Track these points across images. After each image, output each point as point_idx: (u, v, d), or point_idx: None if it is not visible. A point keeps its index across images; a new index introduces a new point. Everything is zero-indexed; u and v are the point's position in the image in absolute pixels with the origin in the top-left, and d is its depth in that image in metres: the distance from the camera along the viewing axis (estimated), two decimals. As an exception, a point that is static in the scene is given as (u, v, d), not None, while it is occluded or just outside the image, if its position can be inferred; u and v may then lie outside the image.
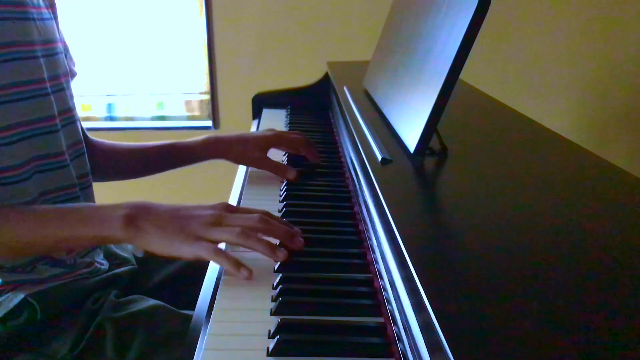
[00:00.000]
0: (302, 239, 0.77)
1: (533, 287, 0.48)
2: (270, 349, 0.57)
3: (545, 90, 2.27)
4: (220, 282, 0.70)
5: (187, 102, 2.52)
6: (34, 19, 0.87)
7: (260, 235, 0.75)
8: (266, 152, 1.10)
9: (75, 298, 0.88)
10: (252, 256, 0.73)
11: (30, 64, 0.85)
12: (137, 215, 0.74)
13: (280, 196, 0.98)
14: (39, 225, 0.77)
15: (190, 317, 0.69)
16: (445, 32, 0.78)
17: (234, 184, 1.09)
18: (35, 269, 0.85)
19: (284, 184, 1.03)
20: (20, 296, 0.83)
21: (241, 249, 0.74)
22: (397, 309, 0.57)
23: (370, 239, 0.76)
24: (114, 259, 0.99)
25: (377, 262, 0.70)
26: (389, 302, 0.61)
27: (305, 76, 1.70)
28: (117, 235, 0.74)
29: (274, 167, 1.08)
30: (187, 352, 0.59)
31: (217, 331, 0.61)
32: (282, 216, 0.89)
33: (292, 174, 1.05)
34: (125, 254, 1.02)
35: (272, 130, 1.15)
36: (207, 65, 2.36)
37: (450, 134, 0.84)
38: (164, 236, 0.73)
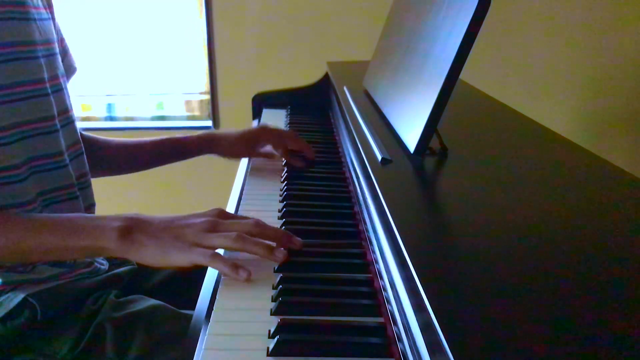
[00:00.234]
0: (299, 239, 0.76)
1: (533, 287, 0.48)
2: (270, 349, 0.57)
3: (545, 90, 2.28)
4: (220, 282, 0.70)
5: (187, 102, 2.52)
6: (34, 20, 0.87)
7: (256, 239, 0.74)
8: (253, 144, 1.15)
9: (76, 298, 0.88)
10: (251, 257, 0.73)
11: (31, 64, 0.85)
12: (132, 228, 0.74)
13: (281, 196, 0.98)
14: (33, 233, 0.76)
15: (190, 317, 0.69)
16: (445, 32, 0.78)
17: (234, 184, 1.09)
18: (35, 269, 0.85)
19: (284, 184, 1.03)
20: (20, 296, 0.83)
21: (238, 253, 0.74)
22: (397, 309, 0.57)
23: (370, 239, 0.76)
24: (114, 259, 0.99)
25: (377, 262, 0.70)
26: (389, 302, 0.61)
27: (305, 76, 1.70)
28: (111, 247, 0.73)
29: (262, 155, 1.16)
30: (187, 352, 0.59)
31: (217, 331, 0.61)
32: (282, 216, 0.89)
33: (279, 153, 1.12)
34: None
35: (262, 125, 1.19)
36: (207, 65, 2.36)
37: (450, 134, 0.84)
38: (159, 246, 0.72)
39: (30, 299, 0.83)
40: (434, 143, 0.81)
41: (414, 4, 1.04)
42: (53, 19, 0.95)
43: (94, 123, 2.49)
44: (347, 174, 1.06)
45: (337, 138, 1.31)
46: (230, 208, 0.97)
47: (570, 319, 0.43)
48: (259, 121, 1.53)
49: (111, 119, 2.53)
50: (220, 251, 0.74)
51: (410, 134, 0.81)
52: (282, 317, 0.62)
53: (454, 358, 0.38)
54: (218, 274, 0.73)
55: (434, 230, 0.63)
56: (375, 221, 0.73)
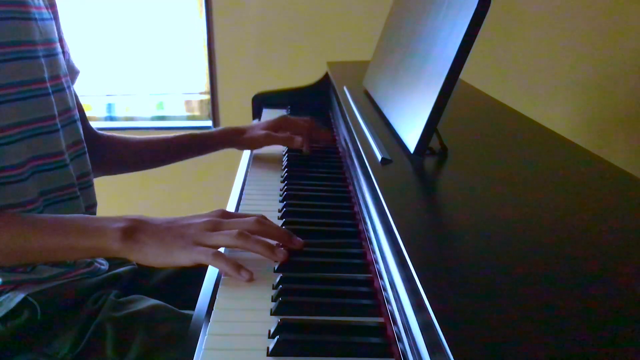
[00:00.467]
0: (300, 239, 0.76)
1: (533, 287, 0.48)
2: (270, 349, 0.57)
3: (545, 90, 2.27)
4: (220, 282, 0.70)
5: (187, 102, 2.52)
6: (35, 19, 0.87)
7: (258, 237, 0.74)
8: (273, 131, 1.18)
9: (76, 298, 0.88)
10: (252, 256, 0.73)
11: (32, 64, 0.85)
12: (134, 228, 0.74)
13: (281, 196, 0.98)
14: (35, 233, 0.76)
15: (190, 317, 0.69)
16: (445, 32, 0.78)
17: (234, 184, 1.09)
18: (35, 269, 0.85)
19: (284, 184, 1.03)
20: (20, 296, 0.83)
21: (239, 252, 0.74)
22: (397, 309, 0.57)
23: (370, 239, 0.76)
24: (114, 259, 0.99)
25: (377, 262, 0.70)
26: (389, 302, 0.61)
27: (305, 76, 1.70)
28: (114, 248, 0.74)
29: (282, 139, 1.17)
30: (187, 352, 0.59)
31: (217, 331, 0.61)
32: (282, 216, 0.89)
33: (298, 142, 1.15)
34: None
35: (284, 115, 1.26)
36: (207, 65, 2.36)
37: (450, 134, 0.84)
38: (161, 246, 0.72)
39: (30, 299, 0.83)
40: (434, 143, 0.81)
41: (414, 4, 1.04)
42: (56, 18, 0.95)
43: (93, 123, 2.46)
44: (347, 174, 1.06)
45: (337, 138, 1.31)
46: (230, 208, 0.97)
47: (570, 318, 0.43)
48: (259, 121, 1.52)
49: (111, 119, 2.53)
50: (222, 250, 0.74)
51: (410, 134, 0.81)
52: (282, 317, 0.62)
53: (454, 358, 0.38)
54: (218, 274, 0.73)
55: (434, 230, 0.63)
56: (375, 221, 0.73)
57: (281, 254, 0.73)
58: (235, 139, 1.19)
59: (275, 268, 0.73)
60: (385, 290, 0.64)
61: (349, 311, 0.64)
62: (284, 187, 1.02)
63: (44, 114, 0.86)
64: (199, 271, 0.77)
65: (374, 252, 0.72)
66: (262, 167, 1.16)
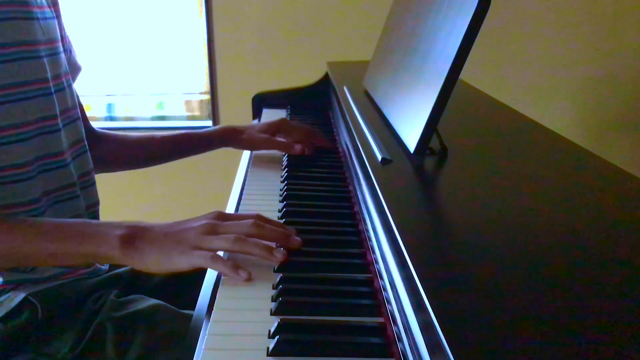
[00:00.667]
0: (298, 238, 0.76)
1: (533, 287, 0.48)
2: (270, 349, 0.57)
3: (545, 90, 2.27)
4: (220, 282, 0.70)
5: (187, 102, 2.51)
6: (37, 19, 0.87)
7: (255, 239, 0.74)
8: (272, 135, 1.19)
9: (76, 298, 0.88)
10: (252, 257, 0.73)
11: (35, 64, 0.85)
12: (134, 235, 0.74)
13: (281, 196, 0.98)
14: (35, 238, 0.76)
15: (190, 317, 0.69)
16: (445, 32, 0.78)
17: (234, 184, 1.09)
18: (36, 269, 0.85)
19: (284, 184, 1.03)
20: (21, 295, 0.83)
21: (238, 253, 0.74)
22: (397, 309, 0.57)
23: (370, 239, 0.76)
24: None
25: (377, 262, 0.70)
26: (389, 302, 0.61)
27: (305, 76, 1.70)
28: (113, 254, 0.74)
29: (278, 144, 1.18)
30: (187, 352, 0.59)
31: (217, 331, 0.61)
32: (282, 216, 0.89)
33: (297, 150, 1.15)
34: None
35: (283, 118, 1.25)
36: (207, 65, 2.36)
37: (450, 134, 0.84)
38: (160, 252, 0.72)
39: (31, 299, 0.83)
40: (434, 143, 0.81)
41: (414, 4, 1.04)
42: (58, 17, 0.95)
43: (94, 123, 2.47)
44: (347, 174, 1.06)
45: (337, 138, 1.31)
46: (231, 208, 0.97)
47: (570, 318, 0.43)
48: (259, 121, 1.52)
49: (111, 119, 2.53)
50: (220, 253, 0.74)
51: (410, 134, 0.81)
52: (282, 317, 0.62)
53: (454, 358, 0.38)
54: (218, 274, 0.73)
55: (434, 230, 0.63)
56: (375, 221, 0.73)
57: (279, 254, 0.73)
58: (233, 138, 1.19)
59: (275, 268, 0.73)
60: (385, 290, 0.64)
61: (349, 311, 0.64)
62: (284, 187, 1.02)
63: (47, 114, 0.87)
64: (199, 271, 0.77)
65: (374, 252, 0.72)
66: (262, 167, 1.16)
